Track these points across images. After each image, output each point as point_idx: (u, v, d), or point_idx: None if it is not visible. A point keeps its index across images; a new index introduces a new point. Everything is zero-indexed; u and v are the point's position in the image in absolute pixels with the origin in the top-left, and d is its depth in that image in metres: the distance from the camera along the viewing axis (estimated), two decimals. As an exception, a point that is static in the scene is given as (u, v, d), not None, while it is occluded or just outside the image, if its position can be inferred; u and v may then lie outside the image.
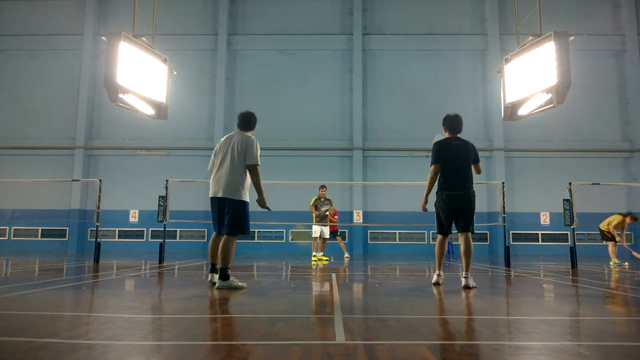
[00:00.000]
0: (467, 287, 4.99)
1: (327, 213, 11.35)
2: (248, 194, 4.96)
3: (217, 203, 4.93)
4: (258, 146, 4.95)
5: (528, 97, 8.12)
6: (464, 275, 5.11)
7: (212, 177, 5.02)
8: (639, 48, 18.87)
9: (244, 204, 4.90)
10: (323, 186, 11.52)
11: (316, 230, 11.32)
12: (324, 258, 11.33)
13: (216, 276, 4.98)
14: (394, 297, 4.39)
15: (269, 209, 5.20)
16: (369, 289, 5.29)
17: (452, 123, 5.52)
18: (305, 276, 6.91)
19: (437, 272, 5.44)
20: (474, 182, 5.35)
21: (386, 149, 18.62)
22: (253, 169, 4.88)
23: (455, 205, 5.22)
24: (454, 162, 5.28)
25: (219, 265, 4.85)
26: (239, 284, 4.92)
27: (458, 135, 5.49)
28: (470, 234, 5.22)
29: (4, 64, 19.69)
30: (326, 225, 11.30)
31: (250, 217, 4.98)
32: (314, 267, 8.93)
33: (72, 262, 10.09)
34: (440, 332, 2.80)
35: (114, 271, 7.42)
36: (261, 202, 5.03)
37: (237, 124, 5.18)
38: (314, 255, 11.24)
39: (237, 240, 5.06)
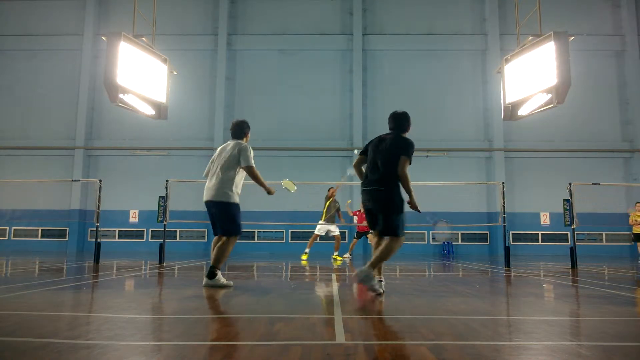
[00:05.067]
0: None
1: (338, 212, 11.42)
2: (238, 197, 5.14)
3: (209, 206, 5.14)
4: (251, 150, 5.16)
5: (528, 97, 8.12)
6: (378, 278, 4.61)
7: (206, 184, 5.22)
8: (639, 48, 18.88)
9: (232, 205, 5.05)
10: (332, 187, 11.58)
11: (321, 229, 11.25)
12: (339, 258, 11.26)
13: (221, 279, 5.22)
14: (394, 297, 4.38)
15: (283, 183, 5.60)
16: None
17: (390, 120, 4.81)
18: (305, 276, 6.91)
19: (378, 275, 4.64)
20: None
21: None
22: (250, 171, 5.07)
23: None
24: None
25: (210, 263, 5.02)
26: (225, 282, 5.05)
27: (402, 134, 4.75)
28: None
29: (4, 64, 19.69)
30: (333, 224, 11.25)
31: (243, 217, 5.17)
32: (304, 265, 8.92)
33: (72, 262, 10.09)
34: (440, 332, 2.80)
35: (114, 271, 7.42)
36: (269, 192, 5.31)
37: (231, 133, 5.42)
38: (305, 253, 11.19)
39: (237, 241, 5.19)
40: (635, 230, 12.72)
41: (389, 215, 4.42)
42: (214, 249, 5.17)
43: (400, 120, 4.78)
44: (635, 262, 11.89)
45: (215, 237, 5.25)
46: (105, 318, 3.23)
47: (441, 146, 18.48)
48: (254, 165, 5.09)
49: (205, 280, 5.01)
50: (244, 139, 5.38)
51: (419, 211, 4.57)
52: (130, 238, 18.57)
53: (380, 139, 4.72)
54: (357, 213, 11.97)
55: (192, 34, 19.54)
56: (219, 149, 5.36)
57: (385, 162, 4.49)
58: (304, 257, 11.10)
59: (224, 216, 5.03)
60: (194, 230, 18.41)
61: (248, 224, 16.69)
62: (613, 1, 19.34)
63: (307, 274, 7.32)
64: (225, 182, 5.01)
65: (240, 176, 5.18)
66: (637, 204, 12.96)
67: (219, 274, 5.06)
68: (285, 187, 6.30)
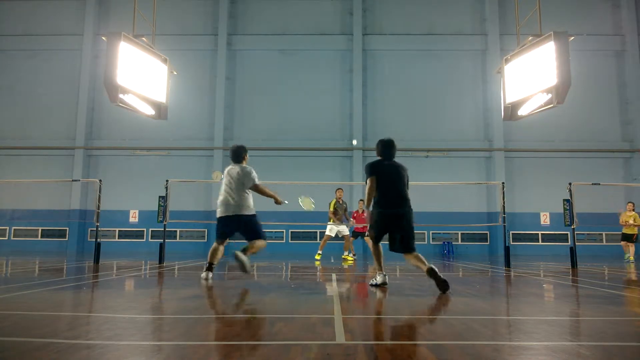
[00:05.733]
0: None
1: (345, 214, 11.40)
2: (254, 208, 5.91)
3: (229, 220, 5.77)
4: (254, 171, 5.92)
5: (528, 97, 8.12)
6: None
7: (219, 200, 5.88)
8: (639, 48, 18.88)
9: (255, 216, 5.90)
10: (340, 188, 11.56)
11: (331, 229, 11.28)
12: (350, 257, 11.28)
13: (211, 274, 5.81)
14: (394, 297, 4.39)
15: (286, 202, 6.11)
16: (368, 289, 5.29)
17: (385, 148, 5.42)
18: (305, 276, 6.90)
19: (381, 271, 5.32)
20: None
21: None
22: (256, 189, 5.89)
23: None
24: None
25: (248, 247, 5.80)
26: (249, 266, 5.65)
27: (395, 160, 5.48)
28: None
29: (4, 64, 19.70)
30: (342, 225, 11.30)
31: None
32: (317, 266, 8.93)
33: (72, 262, 10.09)
34: (441, 332, 2.80)
35: (114, 271, 7.42)
36: (276, 201, 6.07)
37: (230, 159, 6.09)
38: (319, 254, 11.24)
39: (238, 241, 5.71)
40: (625, 230, 12.78)
41: (413, 233, 5.12)
42: (213, 252, 5.82)
43: (395, 150, 5.48)
44: (635, 262, 11.88)
45: (216, 244, 5.84)
46: (105, 318, 3.23)
47: (441, 146, 18.47)
48: (258, 182, 5.87)
49: (240, 252, 5.57)
50: (243, 162, 6.02)
51: None
52: (130, 238, 18.57)
53: (396, 167, 5.32)
54: (355, 214, 12.04)
55: (192, 34, 19.54)
56: (227, 171, 5.99)
57: (405, 188, 5.24)
58: (317, 257, 11.16)
59: (252, 225, 5.83)
60: (194, 230, 18.41)
61: (248, 224, 16.67)
62: (613, 1, 19.34)
63: (307, 274, 7.32)
64: (241, 199, 5.77)
65: (250, 193, 5.93)
66: (629, 204, 12.99)
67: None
68: (302, 204, 6.82)
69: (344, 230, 11.30)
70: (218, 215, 5.84)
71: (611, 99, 18.88)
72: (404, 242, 5.03)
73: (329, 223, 11.35)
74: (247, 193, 5.83)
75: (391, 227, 5.12)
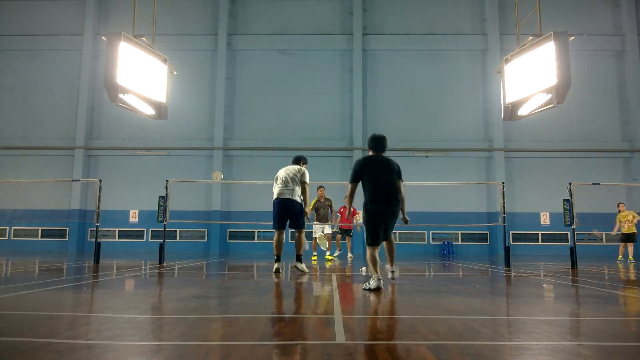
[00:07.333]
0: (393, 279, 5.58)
1: (329, 214, 11.31)
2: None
3: (284, 203, 6.98)
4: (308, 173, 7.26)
5: (528, 97, 8.11)
6: (391, 269, 5.66)
7: (279, 189, 7.05)
8: (639, 48, 18.89)
9: (301, 205, 7.18)
10: (321, 187, 11.44)
11: (317, 229, 11.26)
12: (330, 257, 11.24)
13: (276, 265, 7.01)
14: (394, 297, 4.39)
15: (309, 215, 7.52)
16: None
17: (374, 141, 5.49)
18: (305, 276, 6.90)
19: (376, 274, 4.93)
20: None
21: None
22: (304, 186, 7.14)
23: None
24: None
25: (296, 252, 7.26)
26: (305, 268, 7.05)
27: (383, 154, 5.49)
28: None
29: (4, 64, 19.70)
30: (327, 224, 11.27)
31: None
32: (314, 266, 8.93)
33: (72, 262, 10.09)
34: (441, 332, 2.80)
35: (114, 271, 7.42)
36: (306, 214, 7.28)
37: (292, 161, 7.49)
38: (314, 255, 11.22)
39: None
40: (625, 230, 12.76)
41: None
42: (277, 245, 7.20)
43: (386, 143, 5.49)
44: (636, 262, 11.88)
45: (277, 233, 7.14)
46: (105, 318, 3.23)
47: (441, 146, 18.47)
48: (308, 183, 7.10)
49: (295, 263, 7.15)
50: (304, 165, 7.32)
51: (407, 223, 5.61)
52: (130, 238, 18.57)
53: (381, 162, 5.30)
54: (342, 209, 12.04)
55: (192, 34, 19.55)
56: (284, 168, 7.20)
57: (394, 183, 5.23)
58: (313, 259, 11.13)
59: (297, 212, 7.00)
60: (194, 230, 18.40)
61: (248, 223, 16.72)
62: (613, 1, 19.35)
63: (306, 274, 7.31)
64: (296, 191, 7.01)
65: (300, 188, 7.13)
66: (620, 205, 12.99)
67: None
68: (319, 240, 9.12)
69: (328, 229, 11.29)
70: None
71: (611, 99, 18.89)
72: (386, 233, 5.28)
73: (314, 223, 11.24)
74: (298, 187, 7.04)
75: (384, 221, 5.12)
